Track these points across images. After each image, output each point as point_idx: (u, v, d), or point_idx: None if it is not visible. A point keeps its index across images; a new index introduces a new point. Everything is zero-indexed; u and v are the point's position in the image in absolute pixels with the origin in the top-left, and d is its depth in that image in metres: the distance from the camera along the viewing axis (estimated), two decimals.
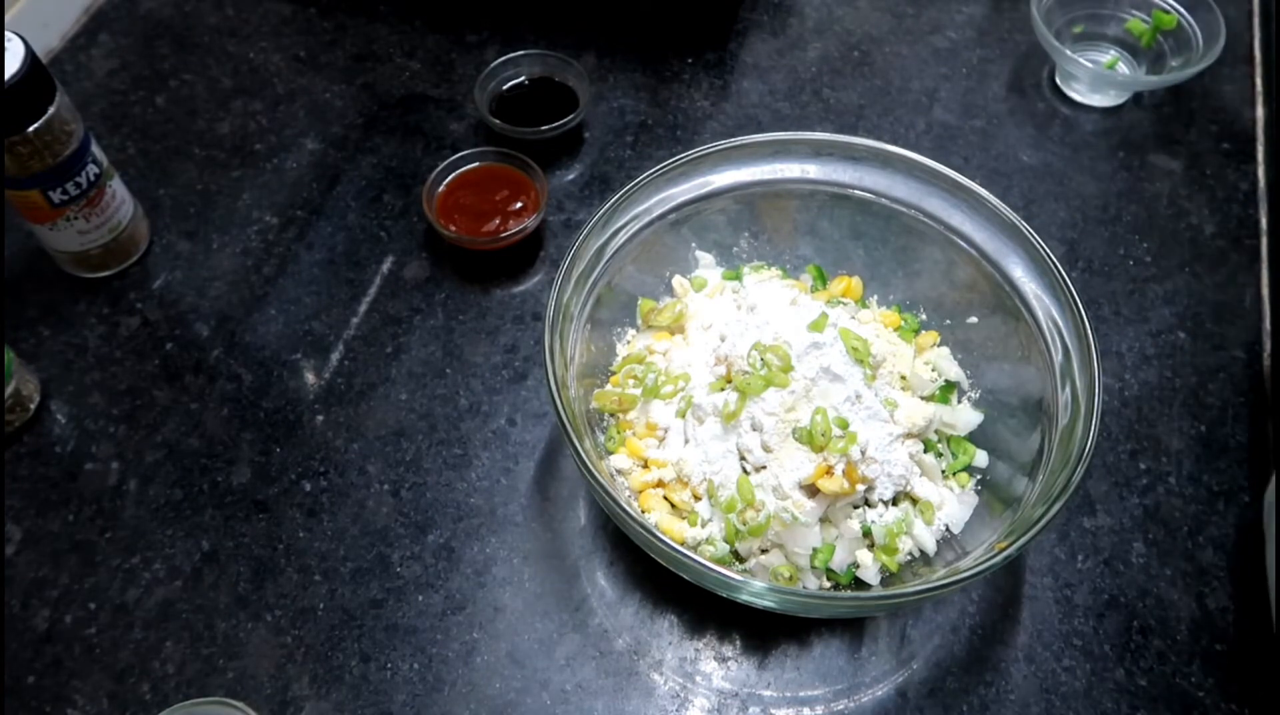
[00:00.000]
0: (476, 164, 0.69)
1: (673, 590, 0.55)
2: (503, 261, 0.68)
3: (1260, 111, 0.77)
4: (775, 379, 0.52)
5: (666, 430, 0.55)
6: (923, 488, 0.54)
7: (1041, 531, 0.46)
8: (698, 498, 0.54)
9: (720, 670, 0.53)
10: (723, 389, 0.54)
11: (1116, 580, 0.56)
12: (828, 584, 0.53)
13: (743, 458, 0.53)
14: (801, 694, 0.53)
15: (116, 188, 0.64)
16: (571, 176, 0.72)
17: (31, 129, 0.57)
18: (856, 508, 0.53)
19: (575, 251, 0.54)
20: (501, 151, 0.69)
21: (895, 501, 0.54)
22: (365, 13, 0.82)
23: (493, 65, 0.73)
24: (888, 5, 0.83)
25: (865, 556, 0.53)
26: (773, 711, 0.52)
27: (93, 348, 0.64)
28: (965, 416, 0.57)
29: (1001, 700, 0.52)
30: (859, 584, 0.53)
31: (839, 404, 0.52)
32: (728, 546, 0.52)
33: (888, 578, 0.53)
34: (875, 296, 0.63)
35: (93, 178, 0.62)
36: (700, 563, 0.45)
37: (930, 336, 0.60)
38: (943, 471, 0.56)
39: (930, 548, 0.53)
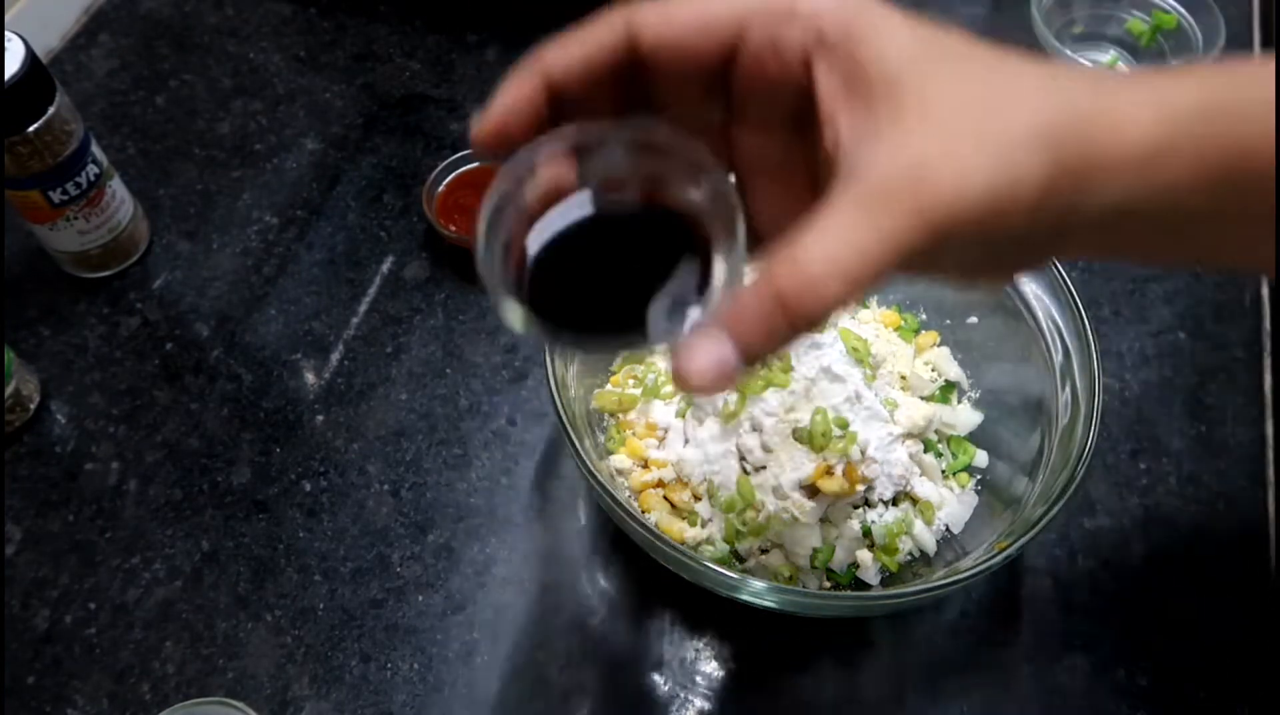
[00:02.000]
0: (476, 164, 0.69)
1: (673, 590, 0.55)
2: None
3: None
4: (775, 379, 0.52)
5: (666, 430, 0.55)
6: (923, 488, 0.54)
7: (1041, 531, 0.46)
8: (698, 498, 0.54)
9: (720, 669, 0.53)
10: None
11: (1116, 580, 0.56)
12: (828, 584, 0.53)
13: (743, 458, 0.53)
14: (801, 694, 0.53)
15: (116, 188, 0.64)
16: None
17: (31, 129, 0.57)
18: (856, 508, 0.53)
19: None
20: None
21: (895, 501, 0.54)
22: (365, 13, 0.82)
23: None
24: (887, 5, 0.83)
25: (865, 556, 0.53)
26: (773, 712, 0.52)
27: (93, 348, 0.64)
28: (965, 416, 0.57)
29: (1001, 700, 0.52)
30: (859, 584, 0.53)
31: (839, 404, 0.52)
32: (728, 546, 0.52)
33: (888, 578, 0.53)
34: (875, 296, 0.63)
35: (93, 178, 0.62)
36: (700, 562, 0.46)
37: (930, 336, 0.60)
38: (943, 471, 0.56)
39: (930, 548, 0.53)
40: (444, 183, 0.68)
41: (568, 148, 0.30)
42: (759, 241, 0.33)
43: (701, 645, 0.54)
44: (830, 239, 0.26)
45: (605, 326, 0.30)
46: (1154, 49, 0.77)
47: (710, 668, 0.53)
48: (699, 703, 0.52)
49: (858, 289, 0.26)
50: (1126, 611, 0.55)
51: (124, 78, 0.78)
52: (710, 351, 0.27)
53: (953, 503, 0.55)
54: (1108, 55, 0.78)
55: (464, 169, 0.69)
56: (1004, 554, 0.45)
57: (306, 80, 0.78)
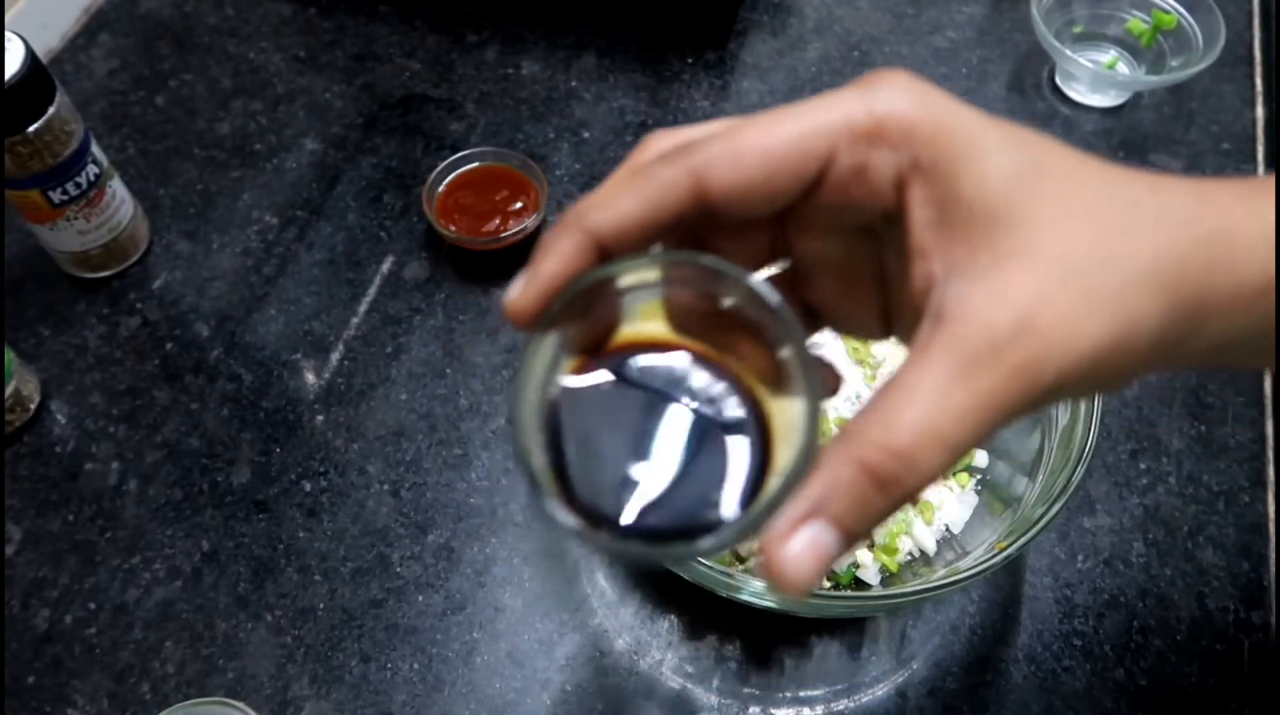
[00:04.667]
0: (476, 164, 0.69)
1: (673, 590, 0.55)
2: (503, 261, 0.68)
3: (1260, 111, 0.76)
4: None
5: None
6: None
7: (1041, 531, 0.46)
8: None
9: (720, 670, 0.53)
10: None
11: (1116, 580, 0.56)
12: (828, 584, 0.53)
13: None
14: (801, 694, 0.53)
15: (116, 188, 0.64)
16: (571, 176, 0.72)
17: (31, 129, 0.57)
18: None
19: None
20: (501, 152, 0.69)
21: None
22: (365, 13, 0.82)
23: None
24: (888, 5, 0.83)
25: (865, 556, 0.53)
26: (772, 711, 0.52)
27: (93, 348, 0.64)
28: None
29: (1001, 700, 0.52)
30: (859, 584, 0.53)
31: (839, 404, 0.52)
32: None
33: (888, 578, 0.53)
34: None
35: (93, 178, 0.62)
36: (701, 563, 0.46)
37: None
38: None
39: (930, 548, 0.53)
40: (444, 183, 0.68)
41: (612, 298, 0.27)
42: (817, 322, 0.31)
43: (702, 645, 0.54)
44: (925, 402, 0.23)
45: (670, 529, 0.25)
46: (1154, 49, 0.77)
47: (710, 668, 0.53)
48: (699, 702, 0.52)
49: (958, 456, 0.24)
50: (1126, 611, 0.55)
51: (124, 78, 0.78)
52: (808, 540, 0.23)
53: (952, 502, 0.55)
54: (1108, 55, 0.78)
55: (464, 169, 0.69)
56: (1004, 554, 0.45)
57: (306, 80, 0.78)
